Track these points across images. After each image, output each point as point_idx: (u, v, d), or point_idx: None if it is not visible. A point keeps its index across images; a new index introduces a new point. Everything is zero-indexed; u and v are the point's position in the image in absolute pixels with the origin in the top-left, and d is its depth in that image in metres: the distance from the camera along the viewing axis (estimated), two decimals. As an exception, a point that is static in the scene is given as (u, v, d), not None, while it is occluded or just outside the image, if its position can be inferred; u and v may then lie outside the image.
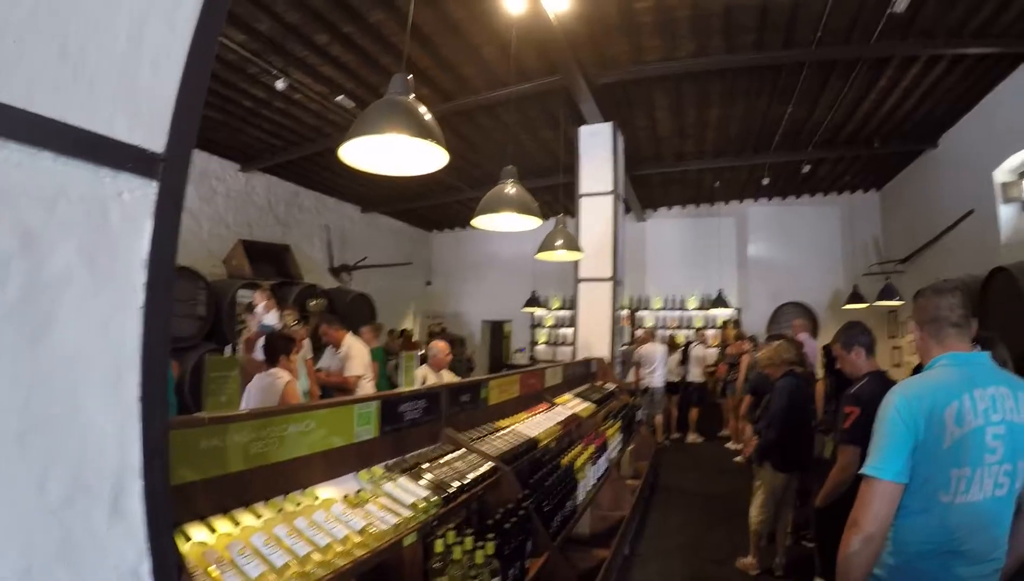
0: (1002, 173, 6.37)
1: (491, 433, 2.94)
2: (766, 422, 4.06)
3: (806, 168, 8.80)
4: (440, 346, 5.13)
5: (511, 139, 7.80)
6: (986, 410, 1.50)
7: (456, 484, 2.09)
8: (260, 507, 1.56)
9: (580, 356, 6.64)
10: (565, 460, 3.28)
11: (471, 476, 2.22)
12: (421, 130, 2.20)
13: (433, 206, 11.41)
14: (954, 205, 7.34)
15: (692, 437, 8.93)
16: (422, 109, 2.29)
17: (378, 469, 2.05)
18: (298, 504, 1.62)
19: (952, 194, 7.49)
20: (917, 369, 2.81)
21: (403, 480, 2.00)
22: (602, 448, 3.96)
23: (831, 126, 7.42)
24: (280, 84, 5.85)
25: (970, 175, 6.97)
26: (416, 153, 2.48)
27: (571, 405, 4.38)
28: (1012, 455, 1.50)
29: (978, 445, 1.48)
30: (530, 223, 3.88)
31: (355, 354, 5.37)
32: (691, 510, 5.49)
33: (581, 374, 5.82)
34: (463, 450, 2.54)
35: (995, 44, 5.34)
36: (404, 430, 2.38)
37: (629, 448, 5.56)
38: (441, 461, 2.31)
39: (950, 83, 6.28)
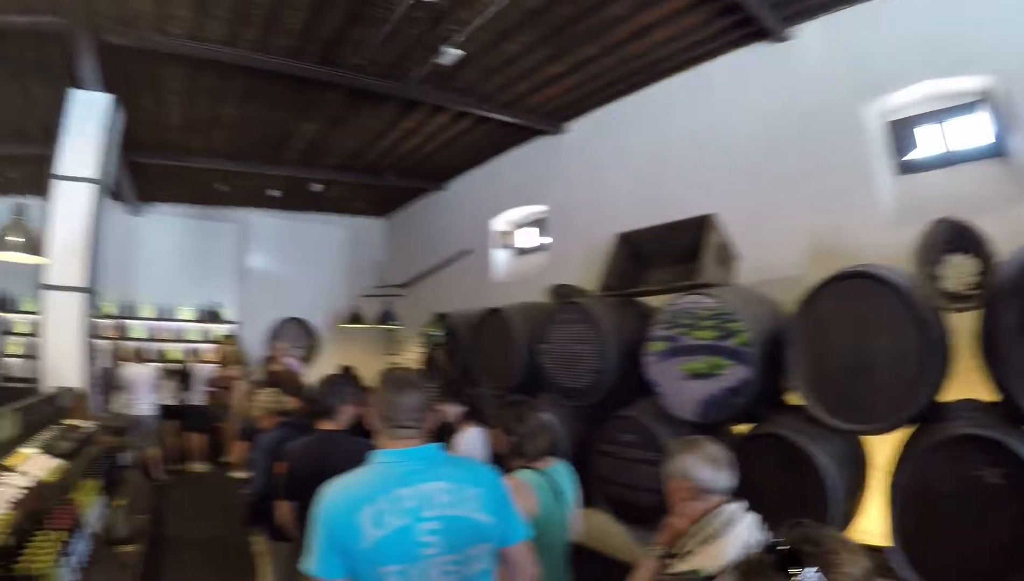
0: (499, 223, 7.91)
1: None
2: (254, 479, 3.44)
3: (318, 187, 8.76)
4: None
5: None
6: (414, 509, 1.56)
7: None
8: None
9: (49, 383, 4.75)
10: (21, 565, 2.10)
11: None
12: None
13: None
14: (453, 243, 8.48)
15: (198, 466, 7.80)
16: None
17: None
18: None
19: (453, 233, 8.63)
20: None
21: None
22: (76, 526, 2.79)
23: (350, 151, 7.56)
24: None
25: (471, 220, 8.25)
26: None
27: (33, 466, 2.96)
28: (452, 547, 1.57)
29: (408, 543, 1.53)
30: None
31: None
32: (203, 566, 4.64)
33: (48, 414, 4.12)
34: None
35: (518, 117, 6.44)
36: None
37: (120, 504, 4.24)
38: None
39: (470, 139, 7.22)
